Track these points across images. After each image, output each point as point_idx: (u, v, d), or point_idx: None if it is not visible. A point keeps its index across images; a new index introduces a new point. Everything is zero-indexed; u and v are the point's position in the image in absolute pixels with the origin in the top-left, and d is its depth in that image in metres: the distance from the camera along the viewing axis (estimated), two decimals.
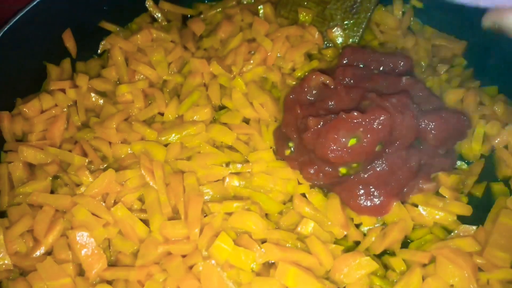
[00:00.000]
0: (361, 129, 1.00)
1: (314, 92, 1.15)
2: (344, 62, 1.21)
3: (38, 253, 0.98)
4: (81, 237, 0.96)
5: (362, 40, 1.39)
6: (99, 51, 1.37)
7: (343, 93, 1.11)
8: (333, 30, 1.37)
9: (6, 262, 0.96)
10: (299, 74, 1.31)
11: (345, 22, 1.39)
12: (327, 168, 1.08)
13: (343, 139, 1.01)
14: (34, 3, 1.23)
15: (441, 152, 1.11)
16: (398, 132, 1.03)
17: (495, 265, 0.96)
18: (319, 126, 1.05)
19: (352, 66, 1.17)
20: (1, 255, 0.96)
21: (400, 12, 1.41)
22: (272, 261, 0.98)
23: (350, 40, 1.37)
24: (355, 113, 1.00)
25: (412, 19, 1.42)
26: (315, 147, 1.05)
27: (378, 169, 1.06)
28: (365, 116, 1.00)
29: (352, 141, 1.01)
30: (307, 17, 1.40)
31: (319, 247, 0.98)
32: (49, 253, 1.00)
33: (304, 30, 1.36)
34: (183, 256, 0.97)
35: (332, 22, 1.39)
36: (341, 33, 1.37)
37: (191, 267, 0.96)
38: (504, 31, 0.73)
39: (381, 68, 1.18)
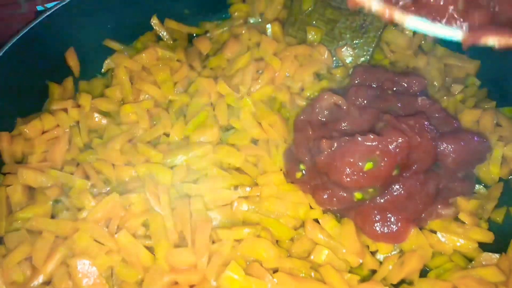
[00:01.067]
0: (378, 153, 0.96)
1: (326, 112, 1.11)
2: (356, 82, 1.17)
3: (36, 282, 0.93)
4: (83, 265, 0.91)
5: (372, 59, 1.36)
6: (102, 70, 1.33)
7: (356, 114, 1.08)
8: (342, 50, 1.34)
9: None
10: (308, 94, 1.28)
11: (354, 41, 1.36)
12: (341, 193, 1.03)
13: (359, 163, 0.96)
14: (37, 21, 1.20)
15: (460, 176, 1.06)
16: (416, 155, 0.99)
17: None
18: (332, 149, 1.01)
19: (365, 86, 1.14)
20: None
21: (411, 32, 1.38)
22: None
23: (361, 59, 1.34)
24: (371, 136, 0.96)
25: (423, 38, 1.39)
26: (329, 171, 1.01)
27: (395, 193, 1.01)
28: (382, 138, 0.96)
29: (369, 165, 0.96)
30: (315, 36, 1.37)
31: (334, 277, 0.93)
32: (48, 283, 0.94)
33: (313, 49, 1.33)
34: (191, 287, 0.92)
35: (342, 41, 1.36)
36: (351, 52, 1.34)
37: None
38: None
39: (394, 89, 1.14)
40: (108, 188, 1.09)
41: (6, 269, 0.93)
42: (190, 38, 1.46)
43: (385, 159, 0.95)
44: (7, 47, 1.15)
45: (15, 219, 1.01)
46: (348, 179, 0.97)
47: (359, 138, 0.96)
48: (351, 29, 1.36)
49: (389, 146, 0.95)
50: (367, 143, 0.95)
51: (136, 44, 1.41)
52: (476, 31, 0.65)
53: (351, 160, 0.96)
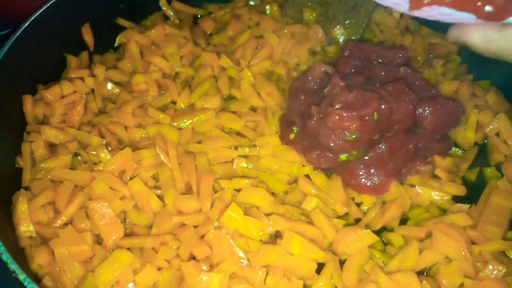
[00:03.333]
0: (359, 122, 1.06)
1: (317, 80, 1.23)
2: (346, 54, 1.29)
3: (58, 223, 1.04)
4: (100, 207, 1.03)
5: (362, 38, 1.48)
6: (115, 44, 1.45)
7: (342, 83, 1.17)
8: (335, 29, 1.46)
9: (30, 228, 1.02)
10: (303, 68, 1.40)
11: (346, 22, 1.48)
12: (328, 154, 1.14)
13: (344, 132, 1.07)
14: None
15: (437, 137, 1.18)
16: (396, 117, 1.11)
17: (487, 238, 1.02)
18: (321, 115, 1.12)
19: (353, 57, 1.25)
20: (25, 223, 1.02)
21: (399, 13, 1.50)
22: (278, 233, 1.05)
23: (352, 38, 1.46)
24: (354, 113, 1.05)
25: (409, 20, 1.51)
26: (318, 134, 1.12)
27: (378, 151, 1.12)
28: (363, 109, 1.05)
29: (352, 136, 1.08)
30: (311, 17, 1.49)
31: (322, 220, 1.05)
32: (68, 223, 1.05)
33: (309, 28, 1.45)
34: (195, 227, 1.03)
35: (335, 22, 1.48)
36: (343, 32, 1.46)
37: (202, 236, 1.02)
38: (467, 46, 0.76)
39: (380, 60, 1.26)
40: (121, 147, 1.21)
41: (32, 211, 1.04)
42: (195, 19, 1.58)
43: (367, 128, 1.05)
44: (29, 21, 1.25)
45: (39, 170, 1.12)
46: (333, 144, 1.09)
47: (344, 114, 1.06)
48: (344, 11, 1.48)
49: (371, 116, 1.05)
50: (349, 114, 1.05)
51: (145, 23, 1.54)
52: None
53: (335, 129, 1.07)
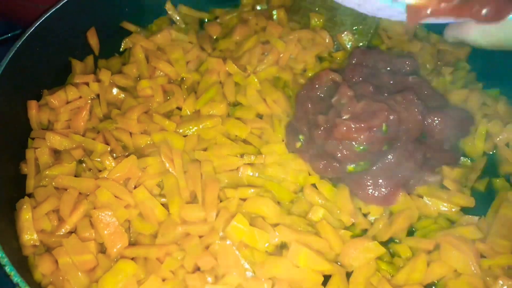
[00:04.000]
0: (367, 133, 1.04)
1: (324, 89, 1.21)
2: (353, 62, 1.27)
3: (62, 231, 1.04)
4: (104, 216, 1.02)
5: (370, 44, 1.46)
6: (121, 48, 1.44)
7: (351, 92, 1.16)
8: (342, 35, 1.45)
9: (34, 237, 1.01)
10: (310, 75, 1.38)
11: (354, 28, 1.46)
12: (335, 164, 1.13)
13: (352, 142, 1.06)
14: (62, 2, 1.31)
15: (446, 147, 1.16)
16: (405, 127, 1.09)
17: (497, 251, 1.00)
18: (328, 125, 1.11)
19: (361, 65, 1.24)
20: (29, 231, 1.01)
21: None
22: (285, 244, 1.04)
23: (360, 44, 1.44)
24: (362, 124, 1.04)
25: (417, 27, 1.49)
26: (325, 144, 1.11)
27: (386, 161, 1.11)
28: (372, 123, 1.04)
29: (360, 146, 1.06)
30: (318, 22, 1.47)
31: (329, 232, 1.04)
32: (72, 232, 1.05)
33: (316, 33, 1.44)
34: (201, 237, 1.02)
35: (342, 27, 1.46)
36: (350, 38, 1.45)
37: (207, 247, 1.01)
38: (465, 42, 0.77)
39: (388, 68, 1.24)
40: (126, 154, 1.20)
41: (36, 219, 1.03)
42: (201, 23, 1.56)
43: (375, 139, 1.04)
44: (35, 26, 1.25)
45: (43, 177, 1.11)
46: (340, 154, 1.07)
47: (352, 123, 1.04)
48: (351, 16, 1.46)
49: (379, 128, 1.04)
50: (357, 125, 1.04)
51: (151, 27, 1.52)
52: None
53: (343, 140, 1.06)
